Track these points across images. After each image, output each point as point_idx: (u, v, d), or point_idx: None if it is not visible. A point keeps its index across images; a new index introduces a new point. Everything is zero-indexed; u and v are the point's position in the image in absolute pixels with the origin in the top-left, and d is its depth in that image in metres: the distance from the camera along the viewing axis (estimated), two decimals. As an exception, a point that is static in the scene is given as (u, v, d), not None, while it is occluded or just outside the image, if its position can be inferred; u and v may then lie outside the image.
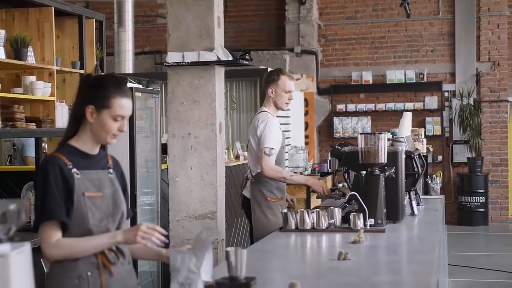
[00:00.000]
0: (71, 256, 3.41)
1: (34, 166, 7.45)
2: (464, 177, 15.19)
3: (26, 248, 2.24)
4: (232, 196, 9.09)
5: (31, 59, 6.66)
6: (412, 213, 6.10)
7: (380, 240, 4.91)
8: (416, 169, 6.22)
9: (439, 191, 8.09)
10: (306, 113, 15.18)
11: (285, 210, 5.42)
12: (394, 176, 5.57)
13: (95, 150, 3.58)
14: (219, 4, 6.51)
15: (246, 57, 6.58)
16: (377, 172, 5.38)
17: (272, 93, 6.46)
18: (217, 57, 6.28)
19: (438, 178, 8.24)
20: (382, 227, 5.25)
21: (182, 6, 6.42)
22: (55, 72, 6.91)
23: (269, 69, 12.28)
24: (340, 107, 15.82)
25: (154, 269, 8.08)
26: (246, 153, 9.67)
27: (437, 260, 4.52)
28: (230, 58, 6.32)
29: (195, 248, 3.18)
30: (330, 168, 6.54)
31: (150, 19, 16.72)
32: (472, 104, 15.13)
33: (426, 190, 8.00)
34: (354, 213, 5.17)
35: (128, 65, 12.81)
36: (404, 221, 5.67)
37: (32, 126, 6.57)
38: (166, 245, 3.65)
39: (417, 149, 7.13)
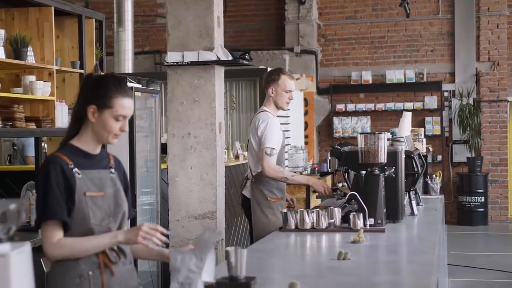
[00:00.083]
0: (72, 255, 3.41)
1: (34, 166, 7.44)
2: (464, 177, 15.19)
3: (26, 248, 2.24)
4: (231, 196, 9.09)
5: (30, 58, 6.66)
6: (412, 213, 6.10)
7: (380, 240, 4.91)
8: (416, 169, 6.22)
9: (438, 191, 8.09)
10: (305, 113, 15.18)
11: (285, 210, 5.42)
12: (394, 176, 5.57)
13: (96, 150, 3.58)
14: (219, 3, 6.51)
15: (246, 57, 6.58)
16: (377, 172, 5.39)
17: (272, 92, 6.45)
18: (217, 56, 6.28)
19: (437, 178, 8.24)
20: (382, 227, 5.25)
21: (181, 5, 6.42)
22: (54, 72, 6.91)
23: (269, 69, 12.30)
24: (340, 107, 15.82)
25: (154, 268, 8.08)
26: (245, 153, 9.68)
27: (437, 260, 4.52)
28: (230, 58, 6.32)
29: (197, 248, 3.18)
30: (330, 168, 6.54)
31: (150, 19, 16.72)
32: (472, 104, 15.13)
33: (426, 190, 8.00)
34: (354, 213, 5.17)
35: (127, 65, 12.80)
36: (403, 221, 5.67)
37: (32, 125, 6.57)
38: (167, 245, 3.65)
39: (416, 149, 7.13)
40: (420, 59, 15.74)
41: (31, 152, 9.38)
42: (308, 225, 5.17)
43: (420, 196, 6.79)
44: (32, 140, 8.46)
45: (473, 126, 15.04)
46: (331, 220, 5.21)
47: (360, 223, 5.10)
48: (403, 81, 15.57)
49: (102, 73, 3.51)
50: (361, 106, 15.73)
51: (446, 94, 15.58)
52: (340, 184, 7.74)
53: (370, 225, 5.20)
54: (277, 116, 6.60)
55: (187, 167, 6.43)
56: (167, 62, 6.39)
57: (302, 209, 5.25)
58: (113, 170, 3.61)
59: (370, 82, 15.75)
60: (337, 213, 5.28)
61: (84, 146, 3.53)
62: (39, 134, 6.89)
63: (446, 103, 15.57)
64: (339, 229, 5.18)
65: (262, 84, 6.64)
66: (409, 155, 6.16)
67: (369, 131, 15.25)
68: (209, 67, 6.39)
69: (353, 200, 5.33)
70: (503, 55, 15.37)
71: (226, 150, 9.73)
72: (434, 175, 8.31)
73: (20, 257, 2.19)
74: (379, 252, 4.62)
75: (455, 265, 10.35)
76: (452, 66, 15.57)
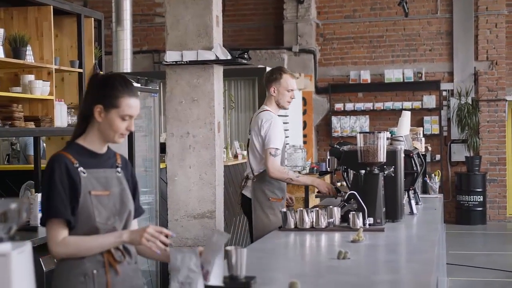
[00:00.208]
0: (77, 254, 3.42)
1: (33, 166, 7.43)
2: (462, 176, 15.20)
3: (27, 247, 2.23)
4: (230, 195, 9.09)
5: (29, 58, 6.65)
6: (411, 212, 6.10)
7: (379, 239, 4.91)
8: (415, 168, 6.22)
9: (437, 190, 8.10)
10: (304, 112, 15.18)
11: (284, 209, 5.42)
12: (393, 175, 5.57)
13: (103, 149, 3.59)
14: (218, 3, 6.51)
15: (245, 56, 6.58)
16: (376, 171, 5.39)
17: (274, 92, 6.44)
18: (216, 56, 6.28)
19: (436, 177, 8.24)
20: (381, 226, 5.25)
21: (180, 5, 6.41)
22: (53, 71, 6.90)
23: (268, 68, 12.32)
24: (338, 106, 15.82)
25: (153, 268, 8.07)
26: (244, 152, 9.68)
27: (436, 259, 4.52)
28: (229, 57, 6.31)
29: (206, 252, 3.18)
30: (329, 167, 6.53)
31: (148, 18, 16.71)
32: (470, 103, 15.14)
33: (425, 189, 8.01)
34: (353, 212, 5.17)
35: (126, 64, 12.81)
36: (403, 220, 5.68)
37: (31, 125, 6.56)
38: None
39: (416, 148, 7.14)
40: (418, 59, 15.75)
41: (30, 151, 9.39)
42: (307, 225, 5.17)
43: (419, 196, 6.79)
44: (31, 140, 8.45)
45: (472, 125, 15.05)
46: (330, 220, 5.21)
47: (359, 222, 5.11)
48: (402, 80, 15.57)
49: (108, 73, 3.51)
50: (360, 106, 15.73)
51: (444, 93, 15.59)
52: (339, 184, 7.75)
53: (370, 225, 5.20)
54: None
55: (186, 167, 6.43)
56: (166, 62, 6.38)
57: (301, 209, 5.24)
58: (119, 169, 3.62)
59: (369, 81, 15.76)
60: (337, 212, 5.28)
61: (90, 145, 3.54)
62: (38, 134, 6.88)
63: (444, 103, 15.58)
64: (338, 228, 5.19)
65: (263, 83, 6.61)
66: (408, 154, 6.16)
67: (367, 130, 15.26)
68: (208, 66, 6.39)
69: (352, 200, 5.33)
70: (502, 54, 15.38)
71: (225, 150, 9.73)
72: (433, 175, 8.32)
73: (21, 257, 2.19)
74: (379, 251, 4.63)
75: (453, 264, 10.35)
76: (451, 65, 15.58)
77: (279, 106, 6.47)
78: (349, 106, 15.76)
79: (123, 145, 7.44)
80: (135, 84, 7.78)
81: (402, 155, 5.78)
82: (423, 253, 4.44)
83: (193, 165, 6.42)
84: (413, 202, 6.17)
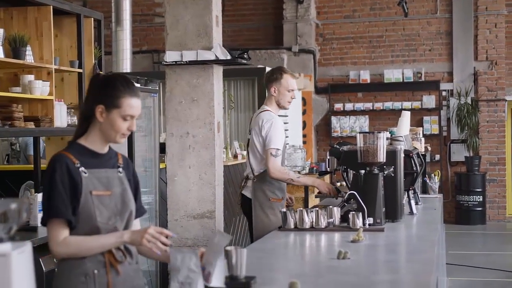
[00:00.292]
0: (78, 254, 3.43)
1: (32, 166, 7.43)
2: (462, 176, 15.20)
3: (27, 248, 2.23)
4: (230, 195, 9.09)
5: (29, 58, 6.65)
6: (411, 212, 6.10)
7: (379, 239, 4.91)
8: (414, 168, 6.22)
9: (437, 190, 8.10)
10: (304, 112, 15.18)
11: (284, 209, 5.42)
12: (393, 175, 5.57)
13: (104, 149, 3.59)
14: (217, 3, 6.51)
15: (245, 56, 6.58)
16: (376, 171, 5.39)
17: (275, 92, 6.42)
18: (216, 56, 6.28)
19: (436, 177, 8.24)
20: (381, 226, 5.25)
21: (180, 5, 6.41)
22: (53, 71, 6.90)
23: (267, 68, 12.32)
24: (338, 106, 15.81)
25: (153, 268, 8.07)
26: (244, 152, 9.68)
27: (436, 259, 4.52)
28: (229, 57, 6.31)
29: (208, 254, 3.18)
30: (329, 167, 6.53)
31: (148, 18, 16.71)
32: (470, 103, 15.14)
33: (424, 189, 8.01)
34: (353, 212, 5.17)
35: (125, 64, 12.80)
36: (403, 220, 5.68)
37: (31, 125, 6.56)
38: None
39: (415, 148, 7.14)
40: (418, 59, 15.75)
41: (30, 151, 9.39)
42: (307, 225, 5.17)
43: (419, 196, 6.79)
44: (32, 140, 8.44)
45: (471, 125, 15.05)
46: (330, 220, 5.22)
47: (359, 222, 5.11)
48: (401, 80, 15.57)
49: (110, 73, 3.52)
50: (359, 106, 15.73)
51: (444, 93, 15.59)
52: (338, 184, 7.75)
53: (369, 225, 5.20)
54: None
55: (185, 167, 6.43)
56: (166, 62, 6.38)
57: (301, 209, 5.24)
58: (121, 169, 3.62)
59: (368, 81, 15.76)
60: (336, 212, 5.28)
61: (92, 145, 3.54)
62: (37, 134, 6.88)
63: (444, 103, 15.58)
64: (338, 228, 5.19)
65: (264, 83, 6.59)
66: (408, 154, 6.16)
67: (367, 130, 15.27)
68: (208, 66, 6.39)
69: (352, 200, 5.33)
70: (501, 54, 15.38)
71: (224, 150, 9.73)
72: (432, 174, 8.32)
73: (21, 257, 2.19)
74: (379, 251, 4.63)
75: (453, 264, 10.35)
76: (450, 65, 15.58)
77: (280, 106, 6.46)
78: (349, 106, 15.76)
79: (123, 145, 7.44)
80: (135, 84, 7.77)
81: (402, 155, 5.78)
82: (423, 253, 4.44)
83: (192, 165, 6.42)
84: (412, 202, 6.17)
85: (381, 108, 15.62)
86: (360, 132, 5.49)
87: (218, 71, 6.51)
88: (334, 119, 15.83)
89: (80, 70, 7.30)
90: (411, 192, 6.23)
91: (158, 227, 3.45)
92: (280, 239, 4.98)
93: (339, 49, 16.03)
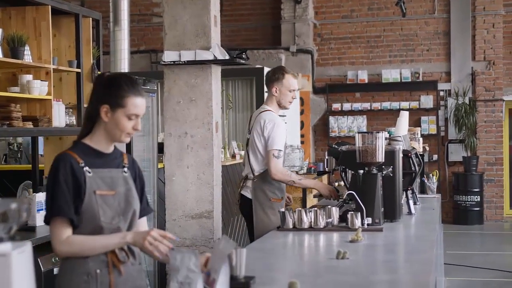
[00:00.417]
0: (81, 253, 3.44)
1: (30, 166, 7.43)
2: (460, 176, 15.21)
3: (27, 248, 2.23)
4: (228, 195, 9.09)
5: (27, 58, 6.64)
6: (409, 212, 6.10)
7: (378, 239, 4.91)
8: (413, 168, 6.22)
9: (435, 190, 8.10)
10: (301, 112, 15.19)
11: (283, 209, 5.42)
12: (391, 175, 5.57)
13: (109, 149, 3.60)
14: (216, 3, 6.51)
15: (243, 56, 6.58)
16: (374, 171, 5.39)
17: (276, 92, 6.39)
18: (214, 56, 6.28)
19: (434, 177, 8.24)
20: (380, 226, 5.25)
21: (178, 5, 6.42)
22: (51, 71, 6.89)
23: (265, 68, 12.33)
24: (336, 106, 15.82)
25: (151, 268, 8.06)
26: (242, 152, 9.68)
27: (435, 259, 4.53)
28: (227, 57, 6.31)
29: (213, 260, 3.18)
30: (327, 167, 6.53)
31: (146, 18, 16.71)
32: (468, 103, 15.14)
33: (423, 189, 8.01)
34: (352, 212, 5.17)
35: (123, 64, 12.74)
36: (401, 220, 5.68)
37: (29, 125, 6.56)
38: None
39: (414, 148, 7.14)
40: (416, 59, 15.75)
41: (31, 151, 9.37)
42: (306, 225, 5.17)
43: (417, 196, 6.79)
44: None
45: (469, 125, 15.05)
46: (329, 220, 5.22)
47: (358, 222, 5.11)
48: (399, 80, 15.58)
49: (114, 73, 3.52)
50: (357, 106, 15.73)
51: (442, 93, 15.59)
52: (336, 184, 7.74)
53: (368, 224, 5.20)
54: (274, 115, 6.56)
55: (183, 167, 6.43)
56: (164, 61, 6.38)
57: (300, 209, 5.24)
58: (126, 169, 3.63)
59: (366, 81, 15.76)
60: (335, 212, 5.28)
61: (96, 145, 3.55)
62: (36, 134, 6.88)
63: (442, 103, 15.59)
64: (337, 228, 5.19)
65: (265, 82, 6.56)
66: (406, 154, 6.16)
67: (365, 130, 15.27)
68: (206, 66, 6.39)
69: (351, 200, 5.33)
70: (499, 54, 15.39)
71: (222, 150, 9.73)
72: (431, 174, 8.32)
73: (21, 257, 2.19)
74: (377, 251, 4.63)
75: (451, 264, 10.35)
76: (448, 65, 15.59)
77: (280, 106, 6.42)
78: (347, 106, 15.76)
79: (122, 145, 7.43)
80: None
81: (401, 155, 5.78)
82: (421, 253, 4.45)
83: (191, 165, 6.42)
84: (411, 202, 6.17)
85: (379, 108, 15.62)
86: (359, 132, 5.49)
87: (216, 71, 6.52)
88: (332, 119, 15.83)
89: (79, 70, 7.30)
90: (409, 192, 6.23)
91: (161, 230, 3.44)
92: (279, 239, 4.98)
93: (337, 49, 16.04)
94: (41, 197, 6.13)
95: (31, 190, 6.85)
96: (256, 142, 6.33)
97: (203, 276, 3.11)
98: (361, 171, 5.37)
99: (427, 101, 15.44)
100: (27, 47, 6.64)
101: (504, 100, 15.44)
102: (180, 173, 6.45)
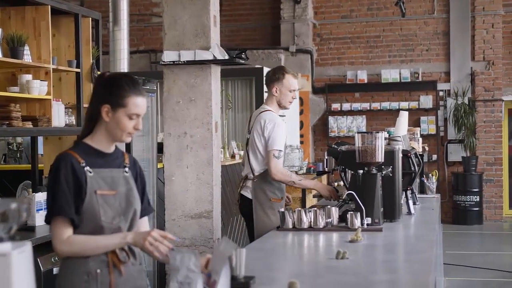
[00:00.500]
0: (81, 253, 3.45)
1: (30, 166, 7.43)
2: (459, 176, 15.21)
3: (27, 247, 2.23)
4: (227, 195, 9.09)
5: (27, 57, 6.64)
6: (409, 212, 6.10)
7: (377, 239, 4.91)
8: (412, 168, 6.22)
9: (435, 190, 8.10)
10: (301, 112, 15.19)
11: (282, 209, 5.41)
12: (391, 175, 5.57)
13: (110, 149, 3.61)
14: (215, 3, 6.52)
15: (243, 56, 6.58)
16: (374, 171, 5.38)
17: (276, 92, 6.35)
18: (213, 56, 6.28)
19: (434, 177, 8.24)
20: (379, 226, 5.25)
21: (178, 5, 6.42)
22: (51, 71, 6.89)
23: (265, 68, 12.33)
24: (335, 106, 15.82)
25: (150, 268, 8.06)
26: (241, 152, 9.68)
27: (434, 259, 4.53)
28: (227, 57, 6.32)
29: (213, 262, 3.18)
30: (327, 167, 6.52)
31: (145, 18, 16.70)
32: (467, 103, 15.15)
33: (422, 189, 8.01)
34: (351, 212, 5.17)
35: (123, 64, 12.73)
36: (401, 220, 5.68)
37: (29, 125, 6.56)
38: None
39: (413, 148, 7.13)
40: (415, 59, 15.75)
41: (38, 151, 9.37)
42: (305, 225, 5.17)
43: (417, 196, 6.79)
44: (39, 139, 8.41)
45: (468, 125, 15.05)
46: (328, 220, 5.21)
47: (357, 222, 5.11)
48: (399, 80, 15.57)
49: (115, 73, 3.52)
50: (357, 106, 15.73)
51: (441, 93, 15.60)
52: (336, 184, 7.74)
53: (368, 224, 5.19)
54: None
55: (183, 167, 6.44)
56: (164, 61, 6.39)
57: (299, 209, 5.24)
58: (127, 169, 3.64)
59: (366, 81, 15.76)
60: (335, 212, 5.28)
61: (98, 144, 3.56)
62: (35, 133, 6.87)
63: (441, 103, 15.59)
64: (336, 228, 5.19)
65: (265, 82, 6.53)
66: (406, 154, 6.16)
67: (364, 130, 15.27)
68: (206, 66, 6.39)
69: (350, 200, 5.33)
70: (498, 54, 15.39)
71: (222, 150, 9.73)
72: (430, 174, 8.32)
73: (21, 257, 2.19)
74: (377, 251, 4.63)
75: (450, 264, 10.35)
76: (447, 65, 15.59)
77: (281, 106, 6.39)
78: (346, 106, 15.76)
79: (121, 145, 7.43)
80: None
81: (400, 155, 5.78)
82: (421, 253, 4.44)
83: (190, 165, 6.43)
84: (410, 202, 6.17)
85: (378, 108, 15.62)
86: (358, 132, 5.48)
87: (216, 71, 6.52)
88: (331, 119, 15.83)
89: (78, 70, 7.30)
90: (409, 192, 6.22)
91: (162, 231, 3.45)
92: (278, 239, 4.97)
93: (337, 49, 16.04)
94: (40, 197, 6.13)
95: (30, 190, 6.85)
96: (256, 142, 6.30)
97: (204, 277, 3.11)
98: (361, 171, 5.37)
99: (426, 101, 15.44)
100: (26, 47, 6.64)
101: (503, 100, 15.44)
102: (180, 173, 6.45)
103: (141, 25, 16.63)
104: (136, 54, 15.84)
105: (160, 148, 7.40)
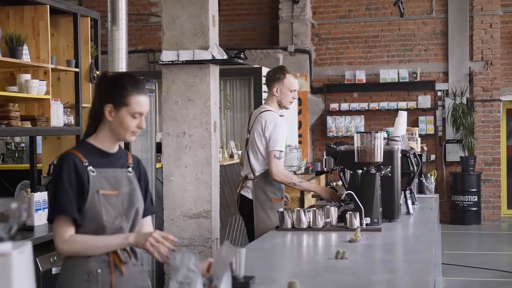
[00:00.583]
0: (83, 252, 3.45)
1: (28, 165, 7.42)
2: (457, 176, 15.22)
3: (27, 247, 2.23)
4: (226, 195, 9.08)
5: (26, 57, 6.63)
6: (408, 212, 6.10)
7: (376, 239, 4.91)
8: (411, 168, 6.22)
9: (433, 190, 8.10)
10: (299, 112, 15.18)
11: (281, 209, 5.41)
12: (390, 175, 5.56)
13: (114, 149, 3.61)
14: (214, 2, 6.52)
15: (241, 56, 6.58)
16: (373, 171, 5.38)
17: (277, 91, 6.30)
18: (212, 55, 6.28)
19: (432, 177, 8.25)
20: (378, 226, 5.25)
21: (176, 4, 6.42)
22: (50, 71, 6.89)
23: (263, 68, 12.33)
24: (334, 106, 15.82)
25: (149, 268, 8.06)
26: (240, 152, 9.67)
27: (434, 259, 4.53)
28: (225, 56, 6.32)
29: (215, 267, 3.17)
30: (325, 167, 6.52)
31: (143, 18, 16.70)
32: (465, 103, 15.15)
33: (421, 189, 8.01)
34: (350, 212, 5.17)
35: (121, 64, 12.74)
36: (400, 220, 5.68)
37: (27, 124, 6.55)
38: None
39: (412, 148, 7.14)
40: (413, 59, 15.76)
41: (38, 150, 9.38)
42: (304, 224, 5.16)
43: (415, 195, 6.79)
44: (39, 139, 8.41)
45: (466, 125, 15.06)
46: (327, 220, 5.21)
47: (356, 222, 5.10)
48: (397, 80, 15.58)
49: (117, 72, 3.55)
50: (355, 105, 15.73)
51: (439, 93, 15.60)
52: (334, 183, 7.75)
53: (367, 224, 5.19)
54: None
55: (182, 166, 6.43)
56: (162, 61, 6.38)
57: (298, 208, 5.24)
58: (130, 169, 3.64)
59: (364, 81, 15.76)
60: (334, 212, 5.28)
61: (101, 144, 3.56)
62: (34, 133, 6.87)
63: (439, 103, 15.59)
64: (335, 228, 5.19)
65: (266, 82, 6.51)
66: (404, 154, 6.16)
67: (362, 130, 15.27)
68: (204, 66, 6.39)
69: (350, 200, 5.33)
70: (496, 54, 15.40)
71: (220, 149, 9.72)
72: (429, 174, 8.32)
73: (21, 256, 2.19)
74: (376, 251, 4.63)
75: (448, 264, 10.36)
76: (446, 65, 15.59)
77: (281, 106, 6.34)
78: (344, 106, 15.77)
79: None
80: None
81: (399, 155, 5.78)
82: (420, 253, 4.44)
83: (189, 165, 6.43)
84: (409, 202, 6.17)
85: (377, 108, 15.62)
86: (357, 132, 5.48)
87: (214, 70, 6.52)
88: (329, 119, 15.83)
89: (77, 70, 7.29)
90: (408, 192, 6.23)
91: (163, 232, 3.45)
92: (277, 239, 4.97)
93: (335, 49, 16.04)
94: (39, 196, 6.12)
95: (29, 189, 6.84)
96: (256, 142, 6.24)
97: (205, 282, 3.11)
98: (360, 171, 5.37)
99: (424, 101, 15.45)
100: (25, 47, 6.64)
101: (501, 100, 15.45)
102: (178, 172, 6.45)
103: (139, 24, 16.62)
104: (134, 54, 15.83)
105: (158, 148, 7.40)
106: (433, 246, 4.71)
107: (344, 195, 5.44)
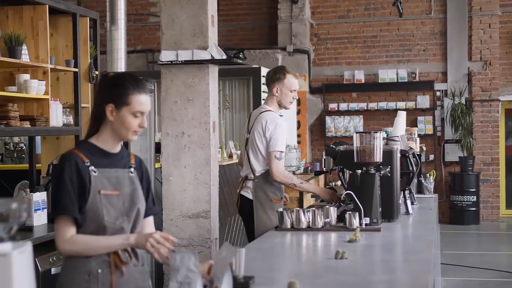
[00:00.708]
0: (84, 252, 3.46)
1: (27, 165, 7.41)
2: (456, 176, 15.22)
3: (27, 248, 2.23)
4: (225, 195, 9.08)
5: (25, 57, 6.62)
6: (407, 212, 6.10)
7: (376, 239, 4.91)
8: (410, 168, 6.22)
9: (432, 190, 8.10)
10: (298, 112, 15.19)
11: (281, 209, 5.40)
12: (389, 175, 5.57)
13: (116, 149, 3.62)
14: (213, 2, 6.52)
15: (240, 55, 6.58)
16: (372, 171, 5.38)
17: (277, 92, 6.29)
18: (211, 55, 6.28)
19: (431, 177, 8.25)
20: (378, 226, 5.25)
21: (175, 4, 6.42)
22: (49, 71, 6.88)
23: (262, 68, 12.34)
24: (332, 106, 15.82)
25: (148, 268, 8.06)
26: (239, 152, 9.68)
27: (433, 259, 4.53)
28: (224, 56, 6.32)
29: (215, 268, 3.17)
30: (325, 167, 6.51)
31: (142, 18, 16.69)
32: (464, 103, 15.16)
33: (420, 189, 8.01)
34: (350, 212, 5.17)
35: (120, 64, 12.73)
36: (399, 220, 5.67)
37: (26, 124, 6.55)
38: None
39: (411, 148, 7.14)
40: (412, 59, 15.76)
41: (38, 150, 9.36)
42: (304, 224, 5.16)
43: (414, 195, 6.79)
44: (39, 138, 8.40)
45: (465, 125, 15.07)
46: (327, 220, 5.21)
47: (356, 222, 5.10)
48: (396, 80, 15.59)
49: (118, 72, 3.56)
50: (354, 106, 15.73)
51: (438, 93, 15.61)
52: (333, 183, 7.74)
53: (366, 224, 5.19)
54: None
55: (181, 166, 6.43)
56: (161, 61, 6.38)
57: (297, 208, 5.23)
58: (132, 169, 3.65)
59: (363, 81, 15.77)
60: (333, 212, 5.28)
61: (103, 144, 3.57)
62: (33, 133, 6.86)
63: (438, 103, 15.60)
64: (334, 228, 5.19)
65: (266, 82, 6.49)
66: (404, 154, 6.16)
67: (361, 130, 15.27)
68: (203, 66, 6.39)
69: (350, 200, 5.32)
70: (495, 54, 15.40)
71: (219, 149, 9.72)
72: (428, 174, 8.32)
73: (21, 257, 2.18)
74: (376, 251, 4.63)
75: (447, 264, 10.36)
76: (444, 65, 15.60)
77: (281, 106, 6.33)
78: (343, 106, 15.77)
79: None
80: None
81: (398, 155, 5.78)
82: (419, 253, 4.44)
83: (188, 165, 6.43)
84: (408, 202, 6.17)
85: (376, 108, 15.62)
86: (357, 132, 5.48)
87: (213, 70, 6.52)
88: (328, 119, 15.83)
89: (76, 70, 7.28)
90: (407, 192, 6.23)
91: (164, 233, 3.46)
92: (277, 239, 4.97)
93: (334, 49, 16.04)
94: (38, 197, 6.12)
95: (28, 190, 6.83)
96: (257, 142, 6.22)
97: (206, 283, 3.11)
98: (359, 171, 5.36)
99: (423, 101, 15.45)
100: (24, 47, 6.63)
101: (500, 100, 15.46)
102: (177, 173, 6.45)
103: (138, 24, 16.62)
104: (133, 54, 15.83)
105: (157, 148, 7.40)
106: (432, 246, 4.72)
107: (343, 195, 5.44)
